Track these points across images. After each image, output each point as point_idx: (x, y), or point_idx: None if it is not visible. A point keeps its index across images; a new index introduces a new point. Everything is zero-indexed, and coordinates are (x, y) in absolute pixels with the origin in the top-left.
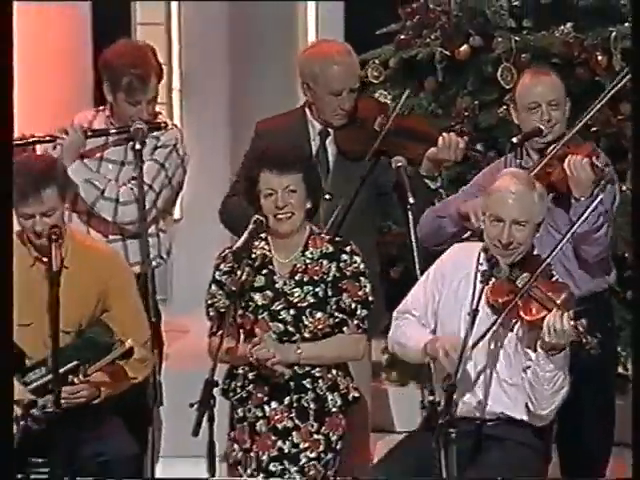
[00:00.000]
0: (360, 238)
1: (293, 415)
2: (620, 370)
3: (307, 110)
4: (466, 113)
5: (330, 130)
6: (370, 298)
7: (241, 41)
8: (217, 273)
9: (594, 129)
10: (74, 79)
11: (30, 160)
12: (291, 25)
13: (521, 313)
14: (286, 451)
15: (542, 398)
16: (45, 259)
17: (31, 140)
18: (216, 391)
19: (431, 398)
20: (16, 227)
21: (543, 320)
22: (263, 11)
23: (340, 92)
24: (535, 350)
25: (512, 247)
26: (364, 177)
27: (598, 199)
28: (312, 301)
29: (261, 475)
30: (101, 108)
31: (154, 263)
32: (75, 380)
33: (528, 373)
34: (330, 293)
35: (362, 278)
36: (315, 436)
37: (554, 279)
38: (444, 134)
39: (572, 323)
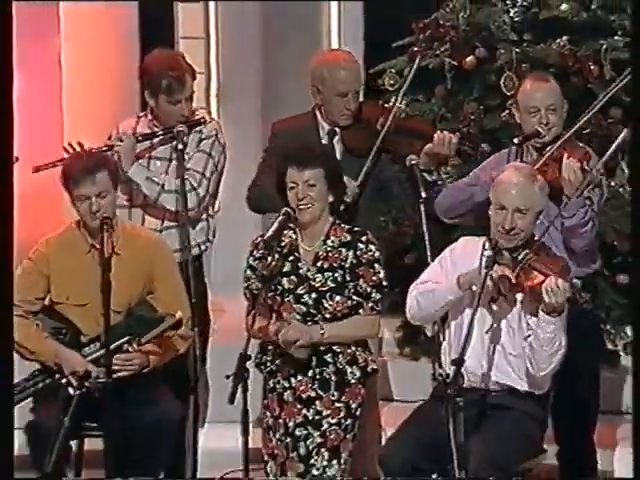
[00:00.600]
0: (363, 224)
1: (316, 386)
2: (610, 346)
3: (317, 112)
4: (472, 117)
5: (337, 130)
6: (384, 283)
7: (271, 52)
8: (251, 259)
9: (587, 131)
10: (122, 88)
11: (84, 151)
12: (317, 40)
13: (522, 281)
14: (310, 418)
15: (541, 359)
16: (98, 246)
17: (85, 150)
18: (250, 364)
19: (440, 371)
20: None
21: (542, 285)
22: (291, 25)
23: (346, 94)
24: (537, 315)
25: (514, 233)
26: (367, 173)
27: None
28: (332, 286)
29: (288, 439)
30: (142, 114)
31: (203, 247)
32: (130, 349)
33: (529, 339)
34: (348, 278)
35: (376, 265)
36: (336, 404)
37: (552, 254)
38: (438, 132)
39: (567, 282)
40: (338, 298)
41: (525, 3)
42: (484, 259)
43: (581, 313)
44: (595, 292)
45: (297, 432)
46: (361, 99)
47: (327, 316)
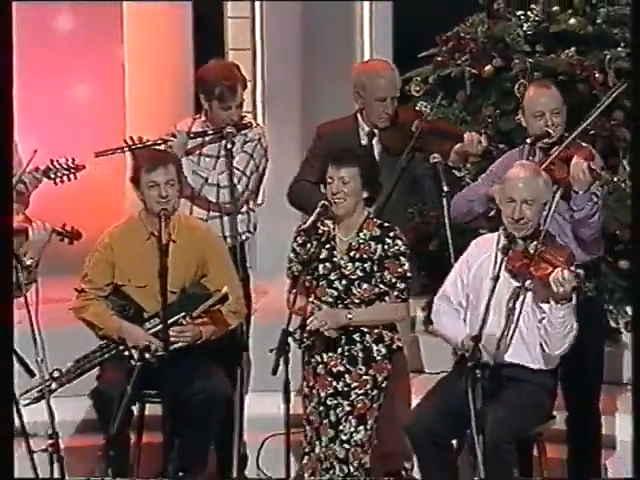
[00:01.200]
0: (397, 215)
1: (345, 362)
2: (612, 324)
3: (358, 115)
4: (489, 120)
5: (376, 131)
6: (408, 274)
7: (309, 63)
8: (294, 244)
9: (592, 132)
10: (178, 92)
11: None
12: (351, 53)
13: (533, 272)
14: (339, 389)
15: (555, 340)
16: (157, 234)
17: (147, 143)
18: (291, 340)
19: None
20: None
21: (550, 272)
22: (328, 40)
23: (384, 99)
24: (549, 303)
25: (522, 222)
26: (403, 168)
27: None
28: (360, 275)
29: (321, 407)
30: (197, 116)
31: (244, 237)
32: (183, 322)
33: (543, 322)
34: (375, 269)
35: (402, 258)
36: (363, 377)
37: (558, 244)
38: (468, 133)
39: (573, 273)
40: (366, 286)
41: (537, 18)
42: (500, 249)
43: (586, 296)
44: (599, 276)
45: (328, 401)
46: None
47: (356, 301)
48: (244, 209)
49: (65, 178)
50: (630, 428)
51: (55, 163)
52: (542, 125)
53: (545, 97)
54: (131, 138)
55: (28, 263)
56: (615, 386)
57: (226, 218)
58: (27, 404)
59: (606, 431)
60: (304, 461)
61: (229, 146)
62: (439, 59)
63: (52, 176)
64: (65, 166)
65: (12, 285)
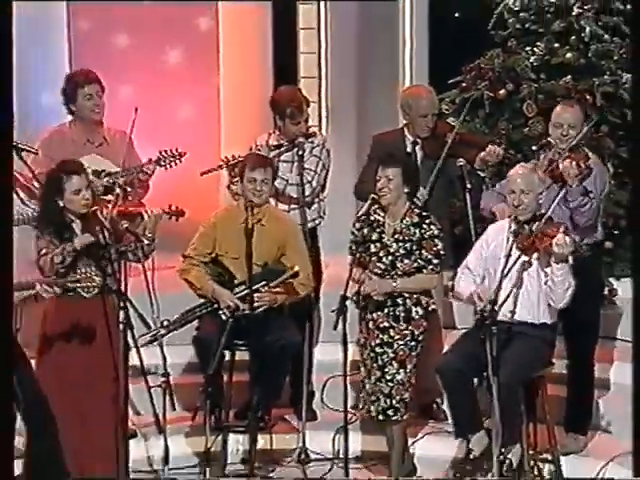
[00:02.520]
0: (436, 207)
1: (390, 319)
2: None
3: (405, 128)
4: (503, 132)
5: (418, 140)
6: (442, 252)
7: (363, 87)
8: (353, 228)
9: (582, 142)
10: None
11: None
12: (396, 79)
13: (538, 245)
14: (385, 340)
15: (558, 295)
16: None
17: (239, 159)
18: (348, 302)
19: (479, 309)
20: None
21: (551, 242)
22: (377, 69)
23: (426, 115)
24: (550, 266)
25: (522, 207)
26: (439, 169)
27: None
28: (403, 252)
29: (372, 354)
30: (272, 131)
31: (317, 221)
32: (263, 290)
33: (548, 283)
34: (415, 248)
35: (436, 239)
36: (404, 332)
37: (555, 222)
38: (490, 145)
39: (571, 238)
40: (407, 261)
41: (541, 52)
42: (511, 232)
43: (585, 266)
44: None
45: (377, 350)
46: None
47: (399, 273)
48: (316, 200)
49: (172, 164)
50: (621, 374)
51: (163, 153)
52: (559, 134)
53: (566, 113)
54: (226, 157)
55: (147, 240)
56: (606, 340)
57: (299, 210)
58: (143, 344)
59: (602, 375)
60: (361, 394)
61: (300, 152)
62: (464, 84)
63: (162, 164)
64: (171, 154)
65: (12, 285)
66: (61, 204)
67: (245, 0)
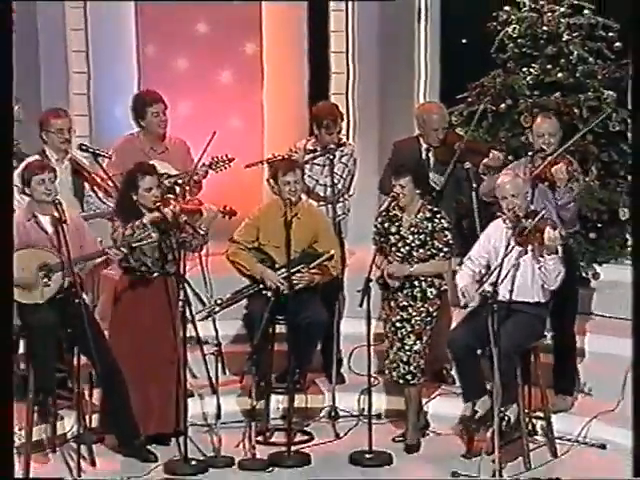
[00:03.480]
0: (446, 203)
1: (408, 299)
2: (584, 275)
3: (420, 137)
4: (503, 140)
5: (431, 148)
6: (451, 242)
7: (384, 101)
8: (376, 222)
9: (572, 149)
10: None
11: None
12: (412, 96)
13: (532, 239)
14: (404, 317)
15: (551, 279)
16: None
17: (278, 157)
18: (372, 284)
19: (483, 288)
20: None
21: (543, 236)
22: (397, 87)
23: (437, 129)
24: (543, 255)
25: (515, 209)
26: (449, 174)
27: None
28: (418, 243)
29: (392, 328)
30: (309, 138)
31: (342, 217)
32: (303, 271)
33: (541, 269)
34: (428, 239)
35: (446, 231)
36: (420, 309)
37: (545, 218)
38: (492, 151)
39: (558, 232)
40: (422, 250)
41: (536, 73)
42: (509, 227)
43: (568, 257)
44: (577, 243)
45: (397, 324)
46: None
47: (415, 260)
48: (341, 199)
49: (223, 168)
50: (595, 344)
51: (215, 158)
52: (541, 143)
53: (546, 124)
54: (272, 155)
55: (202, 232)
56: (586, 315)
57: (330, 206)
58: (200, 319)
59: (579, 345)
60: (385, 361)
61: (331, 158)
62: (470, 100)
63: (214, 167)
64: (222, 160)
65: (12, 285)
66: (135, 198)
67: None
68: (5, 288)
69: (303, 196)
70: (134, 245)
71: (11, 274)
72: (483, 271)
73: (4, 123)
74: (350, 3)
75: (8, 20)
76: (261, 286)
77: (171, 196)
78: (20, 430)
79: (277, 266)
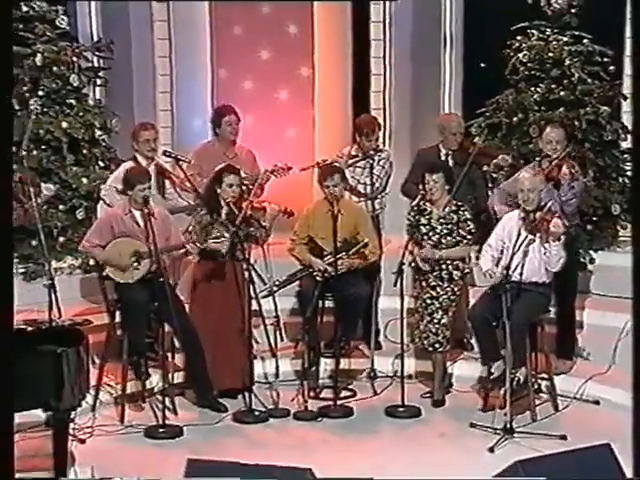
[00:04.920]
0: (462, 200)
1: (437, 279)
2: (581, 260)
3: (440, 144)
4: (515, 147)
5: (450, 152)
6: (473, 230)
7: (415, 114)
8: (409, 215)
9: (572, 154)
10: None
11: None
12: (438, 107)
13: (540, 227)
14: (433, 295)
15: (553, 263)
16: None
17: (327, 162)
18: (405, 267)
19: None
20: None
21: (549, 226)
22: (425, 102)
23: (455, 133)
24: (548, 242)
25: (529, 202)
26: (465, 174)
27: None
28: (445, 232)
29: (423, 304)
30: (352, 145)
31: (379, 211)
32: (345, 257)
33: (546, 254)
34: (454, 228)
35: (469, 222)
36: (447, 289)
37: (552, 212)
38: (501, 155)
39: (562, 222)
40: (449, 238)
41: (542, 91)
42: (520, 218)
43: (567, 242)
44: (576, 233)
45: (427, 301)
46: None
47: (443, 247)
48: (379, 196)
49: (283, 175)
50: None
51: (277, 165)
52: (549, 148)
53: (554, 133)
54: (322, 160)
55: (265, 226)
56: (584, 294)
57: (369, 201)
58: (262, 296)
59: (578, 318)
60: (415, 332)
61: (371, 162)
62: (487, 113)
63: (276, 174)
64: (282, 167)
65: (12, 284)
66: (218, 192)
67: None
68: (5, 287)
69: (346, 194)
70: (210, 243)
71: (11, 274)
72: (499, 255)
73: (4, 124)
74: (387, 33)
75: (8, 19)
76: (310, 270)
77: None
78: (117, 385)
79: (325, 253)
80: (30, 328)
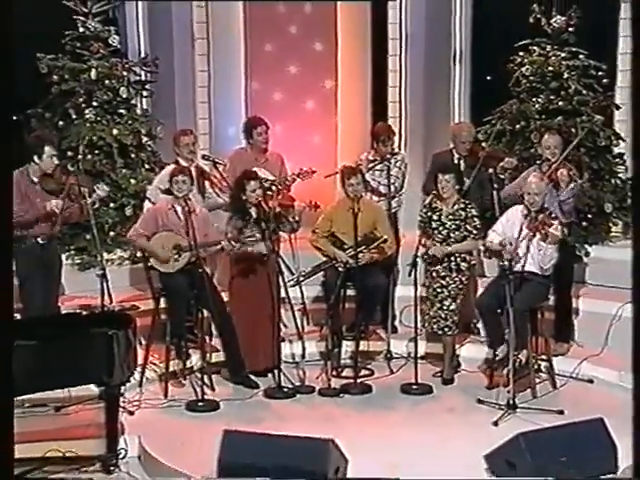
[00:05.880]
0: (472, 199)
1: (447, 270)
2: (577, 253)
3: (453, 149)
4: (517, 152)
5: (461, 157)
6: (479, 226)
7: (428, 119)
8: (421, 212)
9: (569, 158)
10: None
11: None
12: (448, 115)
13: (540, 228)
14: (443, 284)
15: (546, 262)
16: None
17: (347, 166)
18: (418, 259)
19: (502, 263)
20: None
21: (548, 229)
22: (437, 112)
23: (465, 141)
24: (545, 243)
25: (534, 204)
26: (474, 176)
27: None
28: (454, 227)
29: (434, 292)
30: (369, 151)
31: (396, 209)
32: (365, 251)
33: (541, 252)
34: (462, 224)
35: (475, 218)
36: (455, 279)
37: (552, 215)
38: (507, 158)
39: (561, 229)
40: (457, 232)
41: (542, 102)
42: (523, 215)
43: (565, 238)
44: (573, 229)
45: (437, 290)
46: None
47: (452, 241)
48: (396, 195)
49: (308, 178)
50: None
51: (302, 169)
52: (548, 153)
53: (552, 139)
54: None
55: (294, 221)
56: (579, 284)
57: (387, 200)
58: (291, 286)
59: (574, 305)
60: (426, 318)
61: (388, 165)
62: (493, 121)
63: (301, 177)
64: (307, 171)
65: (12, 283)
66: (244, 198)
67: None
68: (5, 287)
69: (365, 194)
70: (243, 242)
71: (11, 274)
72: (502, 239)
73: (4, 124)
74: (403, 49)
75: (8, 19)
76: (334, 262)
77: (269, 194)
78: (161, 363)
79: (346, 247)
80: (85, 313)
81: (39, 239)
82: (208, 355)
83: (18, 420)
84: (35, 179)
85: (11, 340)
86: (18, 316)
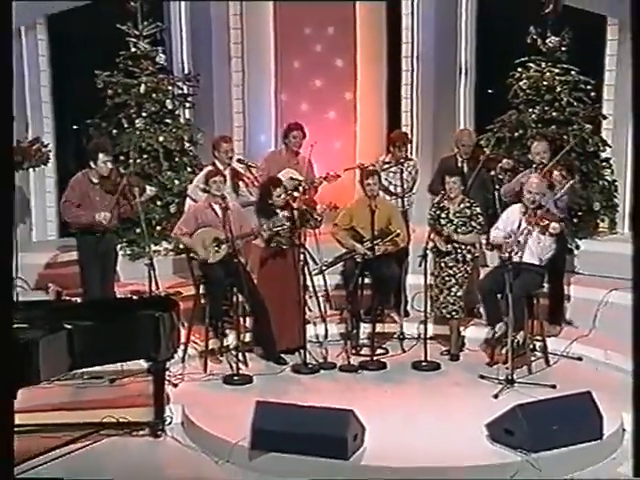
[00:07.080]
0: (474, 198)
1: (453, 261)
2: (569, 246)
3: (457, 154)
4: (516, 157)
5: (464, 160)
6: (482, 223)
7: (437, 127)
8: (431, 210)
9: (562, 162)
10: (380, 143)
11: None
12: (454, 122)
13: (539, 223)
14: (450, 272)
15: (544, 253)
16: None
17: (364, 166)
18: (428, 251)
19: (502, 255)
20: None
21: (548, 226)
22: (445, 119)
23: (466, 145)
24: (544, 235)
25: (535, 202)
26: (476, 176)
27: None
28: (460, 223)
29: (442, 279)
30: (385, 154)
31: (408, 206)
32: (380, 243)
33: (539, 244)
34: (467, 221)
35: (479, 215)
36: (461, 268)
37: (549, 212)
38: (505, 159)
39: (560, 224)
40: (463, 227)
41: (538, 112)
42: (522, 212)
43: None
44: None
45: (445, 278)
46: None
47: (459, 234)
48: (408, 195)
49: (333, 181)
50: (576, 291)
51: (328, 173)
52: (538, 159)
53: (540, 146)
54: (361, 163)
55: (318, 218)
56: (570, 273)
57: (400, 199)
58: (315, 274)
59: (566, 292)
60: (435, 303)
61: (401, 168)
62: (494, 129)
63: (327, 180)
64: (333, 175)
65: (12, 282)
66: (270, 202)
67: None
68: (6, 287)
69: (381, 193)
70: (274, 230)
71: (11, 273)
72: (504, 234)
73: (4, 125)
74: (415, 65)
75: (8, 19)
76: (353, 253)
77: (296, 194)
78: (201, 342)
79: (363, 240)
80: (135, 297)
81: (96, 234)
82: (242, 335)
83: (78, 390)
84: (95, 180)
85: (10, 341)
86: (79, 300)
